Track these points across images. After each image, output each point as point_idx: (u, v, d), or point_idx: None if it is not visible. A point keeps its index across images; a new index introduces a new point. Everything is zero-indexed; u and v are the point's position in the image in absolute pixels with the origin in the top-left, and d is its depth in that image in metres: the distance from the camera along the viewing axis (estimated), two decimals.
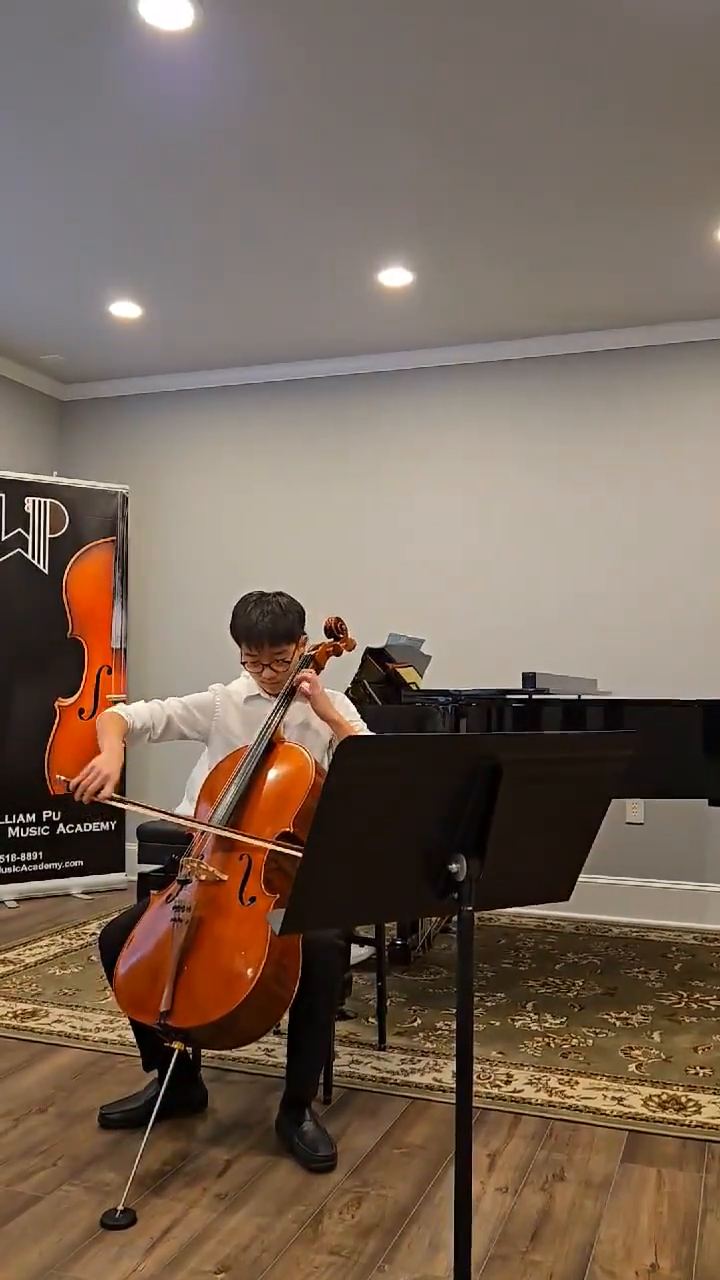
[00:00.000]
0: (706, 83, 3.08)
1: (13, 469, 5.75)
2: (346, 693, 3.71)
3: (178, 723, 2.94)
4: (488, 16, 2.79)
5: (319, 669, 3.01)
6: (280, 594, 2.90)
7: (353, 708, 3.03)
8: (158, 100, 3.22)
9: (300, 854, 2.18)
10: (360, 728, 2.95)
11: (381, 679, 4.12)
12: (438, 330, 5.23)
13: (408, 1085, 2.98)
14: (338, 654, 3.10)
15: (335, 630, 3.11)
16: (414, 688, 4.21)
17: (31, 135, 3.42)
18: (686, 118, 3.27)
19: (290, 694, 2.87)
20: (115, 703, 5.67)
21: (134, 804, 2.70)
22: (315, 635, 3.08)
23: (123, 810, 2.61)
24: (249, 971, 2.35)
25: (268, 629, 2.80)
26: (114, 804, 2.62)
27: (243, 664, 2.93)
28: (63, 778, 2.64)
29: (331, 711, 2.87)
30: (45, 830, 5.42)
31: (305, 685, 2.84)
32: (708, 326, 5.03)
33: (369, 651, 4.12)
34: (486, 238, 4.14)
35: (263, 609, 2.82)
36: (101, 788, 2.57)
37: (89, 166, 3.62)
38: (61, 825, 5.47)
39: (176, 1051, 2.43)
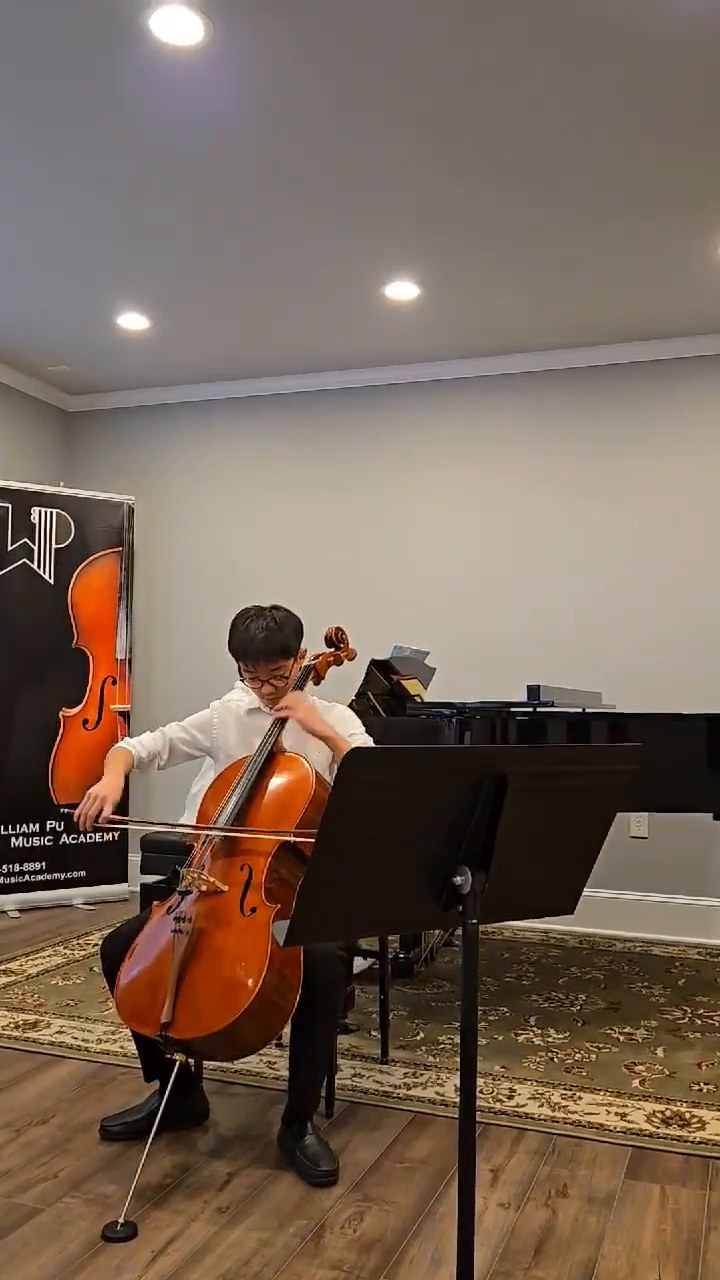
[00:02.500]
0: (714, 99, 3.09)
1: (19, 479, 5.76)
2: (351, 704, 3.71)
3: (180, 746, 2.95)
4: (496, 34, 2.81)
5: (319, 679, 3.00)
6: (277, 608, 2.85)
7: (357, 721, 2.99)
8: (168, 114, 3.24)
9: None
10: (359, 739, 2.91)
11: (386, 691, 4.12)
12: (443, 344, 5.24)
13: (410, 1099, 2.96)
14: (338, 664, 3.09)
15: (335, 640, 3.11)
16: (418, 700, 4.21)
17: (42, 148, 3.44)
18: (694, 133, 3.28)
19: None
20: (119, 714, 5.74)
21: (133, 821, 2.73)
22: (317, 645, 3.09)
23: (126, 829, 2.72)
24: (249, 982, 2.34)
25: (262, 646, 2.77)
26: (114, 824, 2.71)
27: (242, 680, 2.93)
28: (66, 810, 2.76)
29: (320, 726, 2.81)
30: (48, 840, 5.42)
31: (284, 711, 2.81)
32: (714, 341, 5.04)
33: (373, 663, 4.12)
34: (493, 252, 4.16)
35: (258, 624, 2.78)
36: (100, 811, 2.64)
37: (98, 179, 3.64)
38: (64, 836, 5.46)
39: (178, 1063, 2.42)
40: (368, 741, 2.92)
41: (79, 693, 5.57)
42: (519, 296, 4.62)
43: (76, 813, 2.66)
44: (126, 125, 3.30)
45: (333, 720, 2.88)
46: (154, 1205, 2.36)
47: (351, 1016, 3.55)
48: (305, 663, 2.96)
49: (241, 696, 3.05)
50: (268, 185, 3.66)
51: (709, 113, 3.17)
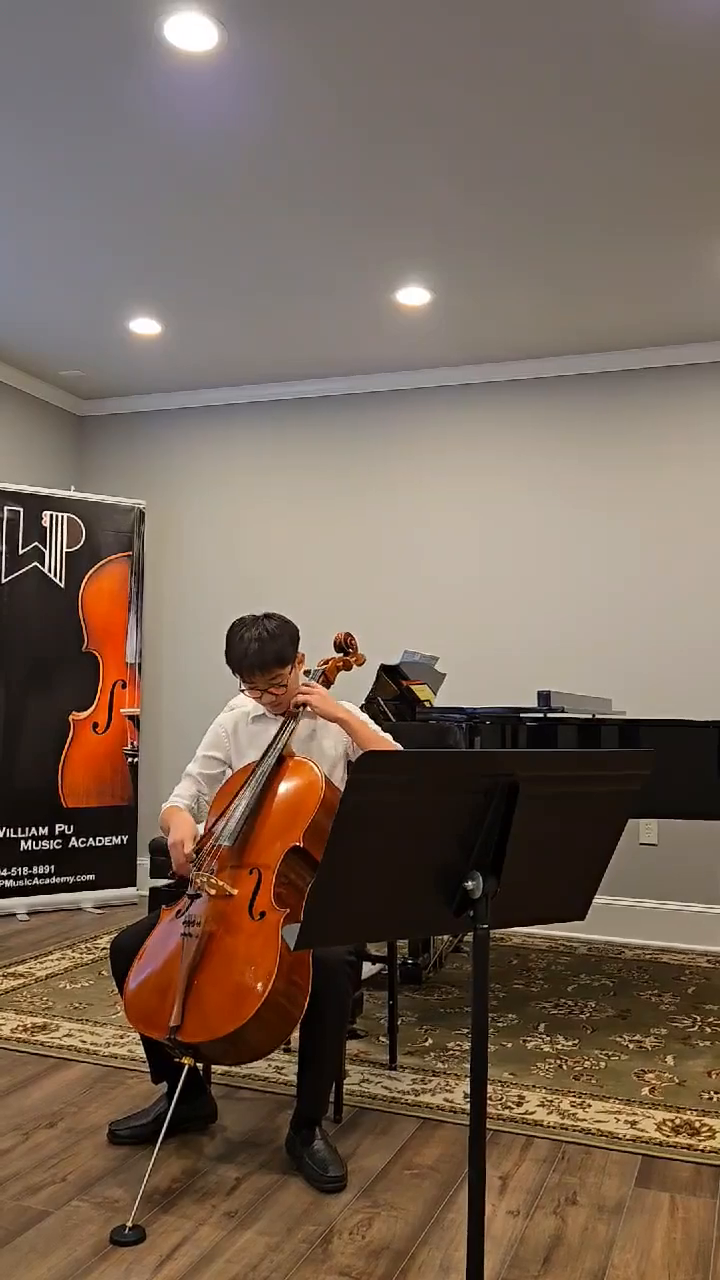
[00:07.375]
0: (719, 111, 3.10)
1: (30, 483, 5.78)
2: (361, 709, 3.71)
3: (211, 775, 2.98)
4: (508, 42, 2.81)
5: (329, 684, 3.00)
6: (270, 616, 2.81)
7: (364, 715, 3.00)
8: (180, 120, 3.25)
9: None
10: (371, 729, 2.91)
11: (395, 696, 4.12)
12: (453, 350, 5.24)
13: (419, 1105, 2.95)
14: (347, 669, 3.10)
15: (345, 645, 3.11)
16: (428, 705, 4.21)
17: (55, 154, 3.45)
18: (700, 144, 3.28)
19: (297, 711, 2.85)
20: (129, 718, 5.74)
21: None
22: (326, 651, 3.09)
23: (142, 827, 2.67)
24: (259, 987, 2.34)
25: (256, 658, 2.73)
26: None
27: (241, 690, 2.92)
28: (172, 875, 2.86)
29: (336, 710, 2.83)
30: (57, 844, 5.43)
31: (301, 696, 2.82)
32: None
33: (383, 669, 4.12)
34: (503, 258, 4.16)
35: (250, 635, 2.75)
36: (183, 849, 2.68)
37: (111, 185, 3.66)
38: (73, 839, 5.47)
39: (186, 1067, 2.42)
40: (374, 729, 2.92)
41: (89, 696, 5.58)
42: (529, 302, 4.62)
43: (175, 866, 2.70)
44: (140, 131, 3.31)
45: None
46: (162, 1209, 2.36)
47: (360, 1022, 3.55)
48: (316, 667, 2.96)
49: (245, 702, 3.06)
50: (280, 191, 3.67)
51: (714, 124, 3.17)
